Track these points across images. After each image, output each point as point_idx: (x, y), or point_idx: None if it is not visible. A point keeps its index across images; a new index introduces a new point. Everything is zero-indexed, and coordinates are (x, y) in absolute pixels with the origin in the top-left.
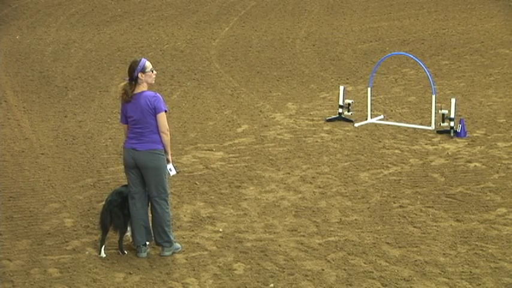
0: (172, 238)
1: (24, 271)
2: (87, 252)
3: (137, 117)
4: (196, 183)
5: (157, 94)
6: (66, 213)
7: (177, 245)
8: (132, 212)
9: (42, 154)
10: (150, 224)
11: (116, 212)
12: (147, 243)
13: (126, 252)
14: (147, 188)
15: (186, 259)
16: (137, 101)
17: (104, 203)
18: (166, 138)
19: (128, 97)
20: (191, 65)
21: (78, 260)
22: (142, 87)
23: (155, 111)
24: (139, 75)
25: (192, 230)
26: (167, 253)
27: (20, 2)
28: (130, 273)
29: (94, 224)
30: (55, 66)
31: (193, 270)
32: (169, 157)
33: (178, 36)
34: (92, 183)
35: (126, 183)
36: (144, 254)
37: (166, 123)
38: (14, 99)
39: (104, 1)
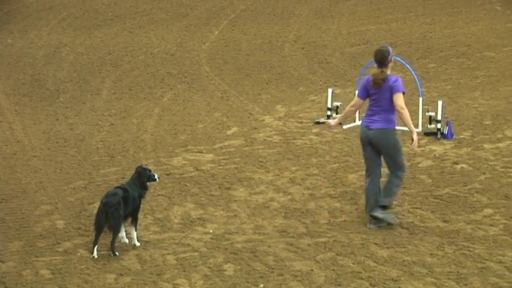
0: (387, 206)
1: (16, 272)
2: (78, 254)
3: (379, 97)
4: (186, 185)
5: (399, 77)
6: (57, 215)
7: (390, 216)
8: (366, 185)
9: (34, 156)
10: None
11: (113, 213)
12: (380, 215)
13: (117, 253)
14: (385, 162)
15: (177, 260)
16: (384, 84)
17: (99, 204)
18: (404, 115)
19: (381, 81)
20: (181, 68)
21: (69, 262)
22: (388, 71)
23: (393, 91)
24: (391, 59)
25: (183, 232)
26: (378, 214)
27: (12, 6)
28: (121, 274)
29: (85, 225)
30: (46, 69)
31: (184, 271)
32: (412, 128)
33: (168, 39)
34: (83, 186)
35: (119, 185)
36: (372, 226)
37: (402, 102)
38: (6, 102)
39: (95, 5)
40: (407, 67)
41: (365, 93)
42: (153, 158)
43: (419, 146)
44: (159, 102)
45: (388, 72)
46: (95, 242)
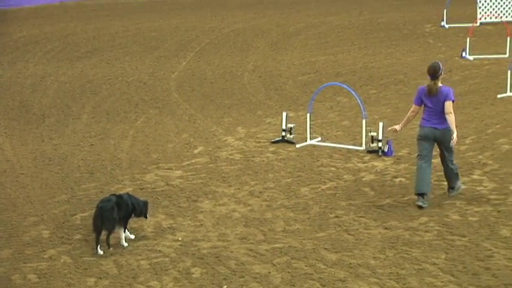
0: (456, 186)
1: (6, 277)
2: (62, 260)
3: (435, 104)
4: (158, 198)
5: (451, 88)
6: (43, 225)
7: (460, 185)
8: (419, 167)
9: (22, 174)
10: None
11: (107, 216)
12: (425, 194)
13: (111, 248)
14: (444, 154)
15: (150, 264)
16: (438, 94)
17: (95, 209)
18: (451, 118)
19: (436, 91)
20: (153, 95)
21: (54, 267)
22: (440, 83)
23: (446, 99)
24: (442, 73)
25: (155, 239)
26: (452, 194)
27: (1, 40)
28: (100, 278)
29: (68, 235)
30: (33, 96)
31: (156, 274)
32: (454, 130)
33: (141, 69)
34: (66, 199)
35: (112, 193)
36: (421, 204)
37: (451, 108)
38: None
39: (76, 39)
40: (351, 93)
41: (420, 101)
42: (129, 175)
43: (363, 162)
44: (134, 125)
45: (439, 84)
46: (97, 243)
